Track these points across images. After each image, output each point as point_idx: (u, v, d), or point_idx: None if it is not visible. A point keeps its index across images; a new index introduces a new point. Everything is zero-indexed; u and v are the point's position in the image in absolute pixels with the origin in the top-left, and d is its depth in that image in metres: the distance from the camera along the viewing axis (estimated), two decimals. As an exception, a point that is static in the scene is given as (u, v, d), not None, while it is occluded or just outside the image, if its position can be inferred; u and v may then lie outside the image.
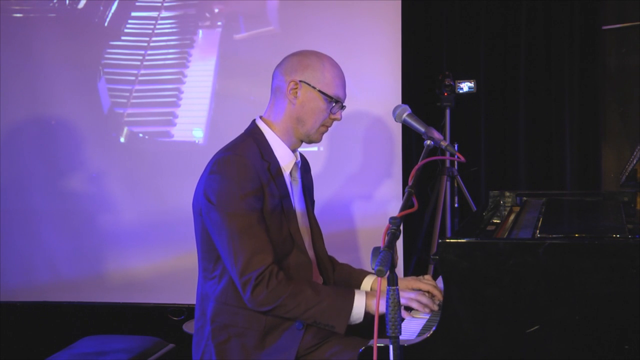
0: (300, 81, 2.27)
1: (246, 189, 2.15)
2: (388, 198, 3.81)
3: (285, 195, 2.27)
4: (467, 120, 4.04)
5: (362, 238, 3.83)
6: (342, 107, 2.35)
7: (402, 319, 2.10)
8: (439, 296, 2.29)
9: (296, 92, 2.28)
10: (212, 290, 2.26)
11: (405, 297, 2.20)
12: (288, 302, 2.12)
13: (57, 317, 4.06)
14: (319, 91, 2.27)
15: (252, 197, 2.15)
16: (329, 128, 2.37)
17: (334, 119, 2.34)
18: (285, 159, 2.31)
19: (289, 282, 2.14)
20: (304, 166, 2.46)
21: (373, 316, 2.12)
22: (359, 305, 2.15)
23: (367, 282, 2.46)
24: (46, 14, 3.99)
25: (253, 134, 2.31)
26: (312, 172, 2.57)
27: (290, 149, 2.33)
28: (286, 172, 2.31)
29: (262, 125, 2.33)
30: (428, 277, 2.40)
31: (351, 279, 2.49)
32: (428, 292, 2.31)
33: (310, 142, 2.36)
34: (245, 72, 3.89)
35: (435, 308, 2.21)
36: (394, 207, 3.77)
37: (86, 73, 3.97)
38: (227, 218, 2.14)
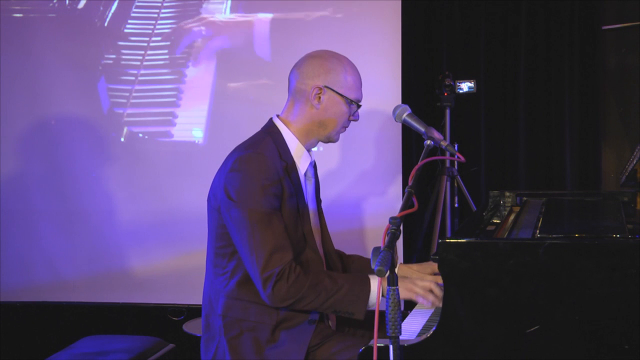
0: (324, 86, 2.28)
1: (267, 187, 2.16)
2: (388, 198, 3.82)
3: (300, 195, 2.29)
4: (467, 120, 4.03)
5: (362, 238, 3.83)
6: (359, 107, 2.37)
7: (402, 319, 2.10)
8: None
9: (320, 97, 2.29)
10: (222, 285, 2.26)
11: (421, 287, 2.18)
12: (308, 294, 2.13)
13: (57, 317, 4.06)
14: (343, 96, 2.29)
15: (272, 195, 2.17)
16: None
17: (353, 120, 2.37)
18: (301, 158, 2.32)
19: (307, 274, 2.16)
20: (314, 165, 2.48)
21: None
22: (376, 290, 2.17)
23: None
24: (46, 14, 3.99)
25: (271, 133, 2.31)
26: (313, 173, 2.58)
27: (306, 149, 2.34)
28: (301, 171, 2.32)
29: (279, 125, 2.33)
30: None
31: (365, 270, 2.50)
32: None
33: (329, 142, 2.39)
34: (245, 72, 3.89)
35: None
36: (394, 207, 3.77)
37: (86, 73, 3.97)
38: (247, 215, 2.15)
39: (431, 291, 2.17)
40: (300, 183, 2.30)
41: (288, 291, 2.12)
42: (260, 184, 2.16)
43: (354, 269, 2.53)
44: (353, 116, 2.35)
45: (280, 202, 2.20)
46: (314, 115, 2.30)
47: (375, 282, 2.18)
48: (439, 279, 2.29)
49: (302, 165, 2.33)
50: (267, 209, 2.15)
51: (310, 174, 2.40)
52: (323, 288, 2.14)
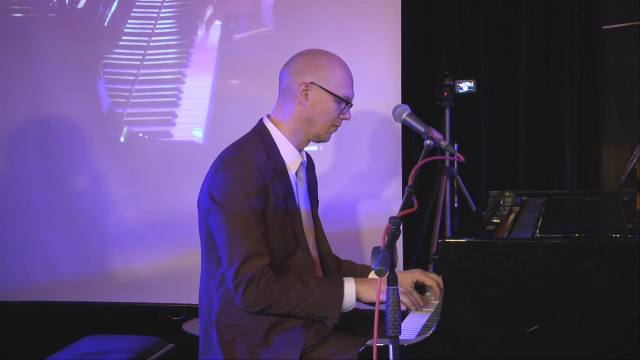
0: (310, 83, 2.27)
1: (249, 189, 2.15)
2: (388, 198, 3.81)
3: (290, 195, 2.27)
4: (467, 120, 4.04)
5: (362, 238, 3.82)
6: (351, 106, 2.35)
7: (402, 319, 2.10)
8: (438, 295, 2.31)
9: (307, 94, 2.27)
10: (215, 289, 2.26)
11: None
12: (279, 299, 2.13)
13: (57, 317, 4.06)
14: (330, 93, 2.27)
15: (255, 198, 2.16)
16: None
17: (344, 119, 2.34)
18: (292, 158, 2.31)
19: (279, 279, 2.15)
20: (309, 165, 2.46)
21: (369, 305, 2.14)
22: (350, 293, 2.17)
23: (373, 276, 2.46)
24: (46, 14, 3.99)
25: (260, 134, 2.30)
26: (313, 172, 2.57)
27: (297, 149, 2.34)
28: (292, 172, 2.32)
29: (269, 125, 2.33)
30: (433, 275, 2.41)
31: (355, 275, 2.48)
32: (431, 287, 2.34)
33: (319, 142, 2.37)
34: (245, 72, 3.89)
35: (422, 305, 2.22)
36: (395, 207, 3.77)
37: (86, 73, 3.96)
38: (227, 218, 2.14)
39: (409, 294, 2.19)
40: (290, 183, 2.29)
41: (258, 297, 2.12)
42: (242, 186, 2.15)
43: (346, 271, 2.52)
44: (343, 115, 2.33)
45: (265, 204, 2.19)
46: (302, 113, 2.29)
47: (350, 285, 2.17)
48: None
49: (293, 166, 2.32)
50: (247, 212, 2.14)
51: (303, 174, 2.38)
52: (294, 293, 2.13)
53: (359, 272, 2.50)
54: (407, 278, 2.36)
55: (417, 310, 2.22)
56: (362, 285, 2.18)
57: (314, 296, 2.14)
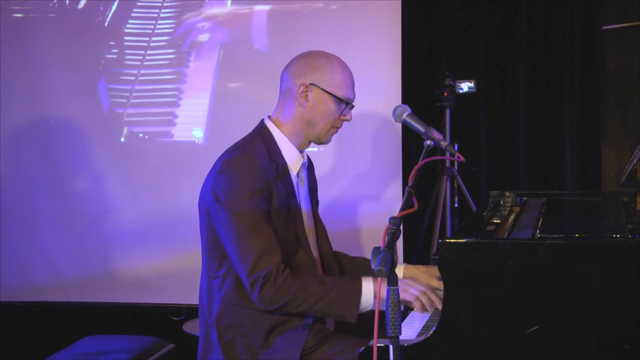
0: (310, 84, 2.27)
1: (254, 189, 2.15)
2: (388, 198, 3.81)
3: (291, 195, 2.27)
4: (467, 120, 4.04)
5: (362, 238, 3.82)
6: (351, 107, 2.35)
7: (402, 319, 2.10)
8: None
9: (306, 95, 2.27)
10: (216, 289, 2.26)
11: (411, 293, 2.18)
12: (296, 296, 2.12)
13: (57, 317, 4.06)
14: (330, 94, 2.27)
15: (260, 197, 2.16)
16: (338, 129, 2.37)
17: (344, 120, 2.34)
18: (293, 159, 2.31)
19: (295, 277, 2.14)
20: (309, 166, 2.46)
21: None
22: (368, 292, 2.15)
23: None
24: (46, 14, 3.99)
25: (261, 134, 2.31)
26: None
27: (298, 150, 2.34)
28: (293, 172, 2.32)
29: (270, 126, 2.33)
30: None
31: (360, 272, 2.48)
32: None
33: (319, 143, 2.37)
34: (245, 72, 3.89)
35: (436, 306, 2.20)
36: (395, 207, 3.77)
37: (86, 73, 3.97)
38: (235, 217, 2.14)
39: (425, 294, 2.16)
40: (292, 184, 2.29)
41: (275, 294, 2.11)
42: (247, 186, 2.15)
43: (349, 271, 2.52)
44: (344, 115, 2.33)
45: (269, 204, 2.19)
46: (302, 114, 2.29)
47: (368, 285, 2.16)
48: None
49: (294, 166, 2.32)
50: (254, 211, 2.14)
51: (304, 174, 2.38)
52: (311, 291, 2.13)
53: (367, 269, 2.49)
54: (435, 272, 2.36)
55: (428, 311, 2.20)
56: (381, 284, 2.17)
57: (330, 295, 2.13)
